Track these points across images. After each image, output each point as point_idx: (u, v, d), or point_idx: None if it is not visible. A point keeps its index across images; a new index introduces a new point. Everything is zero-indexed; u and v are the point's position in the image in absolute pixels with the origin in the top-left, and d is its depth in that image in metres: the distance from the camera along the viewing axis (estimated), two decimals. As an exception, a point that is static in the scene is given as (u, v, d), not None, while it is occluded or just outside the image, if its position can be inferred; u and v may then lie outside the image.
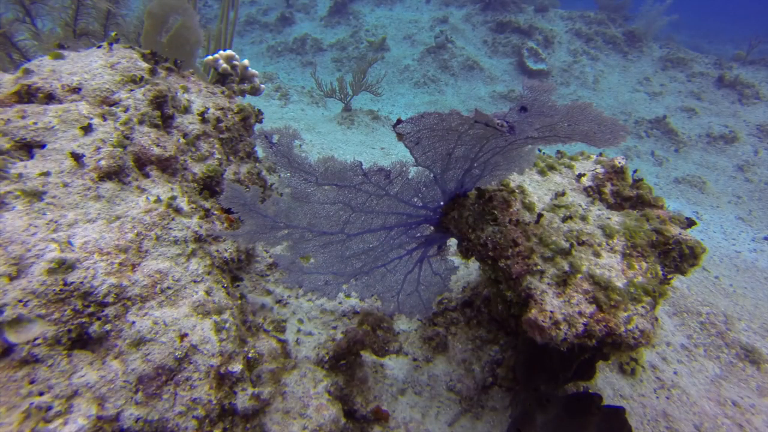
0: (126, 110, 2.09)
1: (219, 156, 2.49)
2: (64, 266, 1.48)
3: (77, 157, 1.76)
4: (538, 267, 1.74)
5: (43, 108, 1.88)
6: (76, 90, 2.03)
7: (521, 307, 1.75)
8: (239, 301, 2.11)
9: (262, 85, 3.55)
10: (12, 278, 1.41)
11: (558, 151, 2.55)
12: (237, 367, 1.70)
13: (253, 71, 3.44)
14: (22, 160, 1.72)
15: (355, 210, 1.94)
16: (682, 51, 10.42)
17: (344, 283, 2.18)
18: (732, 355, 2.99)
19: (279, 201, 1.86)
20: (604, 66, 10.08)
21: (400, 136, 1.61)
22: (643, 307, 1.65)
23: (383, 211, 1.99)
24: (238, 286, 2.42)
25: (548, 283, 1.71)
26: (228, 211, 2.31)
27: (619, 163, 2.25)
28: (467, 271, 2.91)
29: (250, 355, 1.87)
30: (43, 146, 1.77)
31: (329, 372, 2.08)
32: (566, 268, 1.72)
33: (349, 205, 1.91)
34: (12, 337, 1.35)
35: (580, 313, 1.62)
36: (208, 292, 1.79)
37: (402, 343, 2.53)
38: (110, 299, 1.53)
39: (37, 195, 1.62)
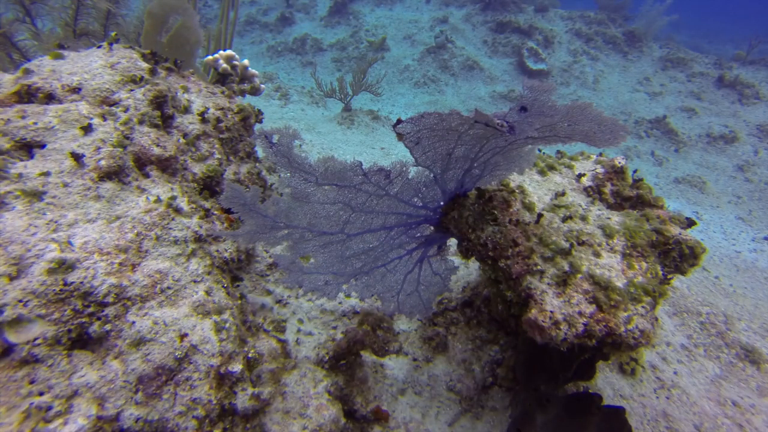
0: (126, 110, 2.09)
1: (219, 156, 2.49)
2: (64, 266, 1.48)
3: (77, 157, 1.76)
4: (538, 267, 1.74)
5: (43, 108, 1.88)
6: (76, 90, 2.03)
7: (521, 307, 1.75)
8: (239, 301, 2.11)
9: (262, 85, 3.55)
10: (12, 278, 1.41)
11: (558, 151, 2.55)
12: (237, 367, 1.70)
13: (253, 71, 3.44)
14: (22, 160, 1.72)
15: (355, 210, 1.94)
16: (682, 51, 10.41)
17: (344, 283, 2.18)
18: (732, 355, 2.99)
19: (279, 201, 1.86)
20: (604, 66, 10.07)
21: (400, 136, 1.61)
22: (643, 307, 1.65)
23: (383, 211, 1.99)
24: (238, 286, 2.42)
25: (548, 283, 1.71)
26: (228, 211, 2.31)
27: (619, 163, 2.25)
28: (467, 271, 2.91)
29: (250, 355, 1.87)
30: (43, 146, 1.77)
31: (329, 372, 2.08)
32: (566, 268, 1.72)
33: (349, 205, 1.91)
34: (12, 337, 1.35)
35: (580, 313, 1.62)
36: (208, 292, 1.79)
37: (402, 343, 2.53)
38: (110, 299, 1.53)
39: (37, 195, 1.62)
